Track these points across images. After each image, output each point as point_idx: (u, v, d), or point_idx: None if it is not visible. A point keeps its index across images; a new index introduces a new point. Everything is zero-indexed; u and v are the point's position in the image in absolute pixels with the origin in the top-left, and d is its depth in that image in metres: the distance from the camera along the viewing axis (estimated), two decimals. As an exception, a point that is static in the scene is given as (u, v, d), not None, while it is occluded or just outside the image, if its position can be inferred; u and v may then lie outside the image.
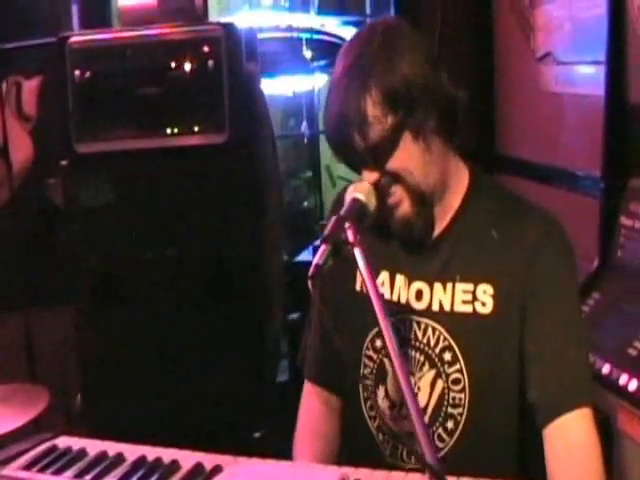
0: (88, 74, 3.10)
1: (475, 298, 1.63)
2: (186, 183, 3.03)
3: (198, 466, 1.47)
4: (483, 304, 1.63)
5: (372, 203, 1.53)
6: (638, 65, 2.49)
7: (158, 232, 3.04)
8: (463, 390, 1.64)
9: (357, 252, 1.43)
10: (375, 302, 1.37)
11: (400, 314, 1.69)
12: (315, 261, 1.37)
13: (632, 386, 2.16)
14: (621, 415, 2.20)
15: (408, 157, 1.56)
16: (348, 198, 1.54)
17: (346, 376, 1.79)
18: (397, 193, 1.59)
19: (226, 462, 1.47)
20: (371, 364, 1.74)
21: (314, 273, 1.36)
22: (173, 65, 3.10)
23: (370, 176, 1.56)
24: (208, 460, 1.49)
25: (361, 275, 1.60)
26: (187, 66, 3.10)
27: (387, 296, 1.70)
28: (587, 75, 3.07)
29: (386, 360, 1.71)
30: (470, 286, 1.64)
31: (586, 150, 2.97)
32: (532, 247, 1.62)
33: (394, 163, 1.56)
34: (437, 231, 1.68)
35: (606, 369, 2.26)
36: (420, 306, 1.67)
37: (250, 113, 3.11)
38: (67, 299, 3.19)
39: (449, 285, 1.65)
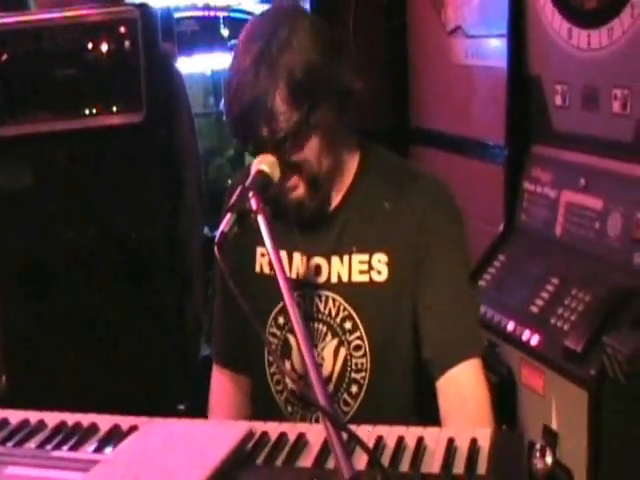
0: (4, 57, 3.10)
1: (371, 267, 1.73)
2: (105, 163, 3.05)
3: (115, 427, 1.54)
4: (379, 272, 1.73)
5: (275, 175, 1.60)
6: (537, 38, 2.61)
7: (78, 213, 3.06)
8: (364, 355, 1.75)
9: (260, 220, 1.49)
10: (277, 267, 1.44)
11: (300, 289, 1.77)
12: (221, 229, 1.44)
13: (534, 341, 2.29)
14: (524, 369, 2.34)
15: (308, 149, 1.64)
16: (253, 170, 1.61)
17: (252, 354, 1.88)
18: (293, 179, 1.67)
19: (142, 422, 1.55)
20: (276, 341, 1.82)
21: (220, 240, 1.43)
22: (90, 46, 3.11)
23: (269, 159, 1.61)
24: (125, 422, 1.56)
25: (263, 255, 1.74)
26: (104, 47, 3.12)
27: (286, 274, 1.79)
28: (494, 48, 3.19)
29: (290, 335, 1.80)
30: (366, 256, 1.73)
31: (493, 120, 3.09)
32: (421, 213, 1.72)
33: (294, 155, 1.64)
34: (331, 208, 1.76)
35: (510, 326, 2.39)
36: (319, 280, 1.76)
37: (167, 92, 3.15)
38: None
39: (346, 257, 1.74)
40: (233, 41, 4.02)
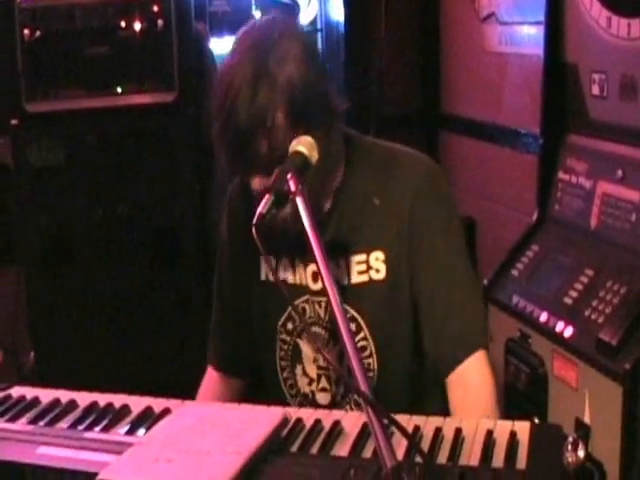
0: (37, 34, 3.10)
1: (369, 267, 1.70)
2: (135, 142, 3.05)
3: (148, 409, 1.53)
4: (377, 271, 1.69)
5: (313, 157, 1.55)
6: (574, 25, 2.57)
7: (107, 191, 3.07)
8: (370, 356, 1.72)
9: (299, 201, 1.45)
10: (316, 250, 1.41)
11: (304, 296, 1.75)
12: (259, 210, 1.40)
13: (567, 333, 2.27)
14: (556, 361, 2.31)
15: None
16: (291, 151, 1.57)
17: (263, 360, 1.86)
18: None
19: (175, 405, 1.54)
20: (285, 346, 1.80)
21: (258, 222, 1.39)
22: (122, 24, 3.11)
23: (263, 183, 1.56)
24: (157, 404, 1.55)
25: (266, 263, 1.70)
26: (136, 25, 3.12)
27: (290, 280, 1.76)
28: (529, 35, 3.15)
29: (299, 340, 1.78)
30: (363, 256, 1.70)
31: (527, 108, 3.06)
32: (410, 205, 1.67)
33: None
34: (322, 212, 1.70)
35: (543, 317, 2.36)
36: (317, 286, 1.72)
37: (199, 72, 3.14)
38: (17, 258, 3.21)
39: (343, 260, 1.70)
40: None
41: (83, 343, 3.04)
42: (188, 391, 1.77)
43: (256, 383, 1.93)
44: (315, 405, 1.77)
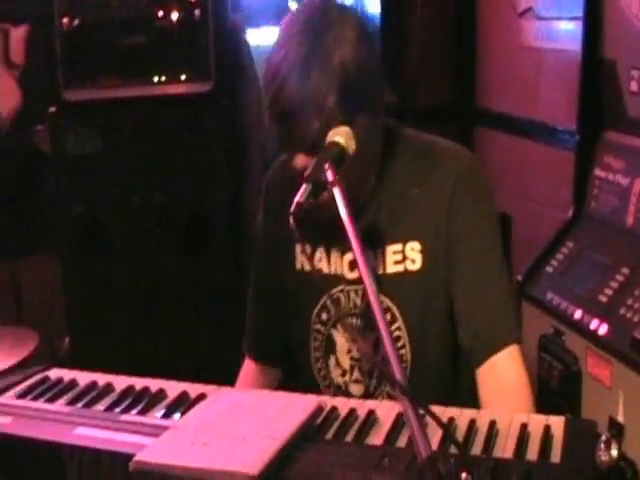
0: (76, 23, 3.12)
1: (405, 257, 1.70)
2: (171, 131, 3.07)
3: (183, 394, 1.55)
4: (413, 261, 1.69)
5: (350, 147, 1.54)
6: (613, 21, 2.54)
7: (143, 179, 3.09)
8: (404, 346, 1.72)
9: (336, 192, 1.46)
10: (353, 240, 1.41)
11: (339, 285, 1.75)
12: (297, 199, 1.41)
13: (602, 330, 2.25)
14: (590, 359, 2.29)
15: None
16: (328, 141, 1.57)
17: (297, 351, 1.87)
18: None
19: (210, 391, 1.55)
20: (320, 337, 1.81)
21: (296, 211, 1.40)
22: (159, 14, 3.13)
23: (305, 161, 1.56)
24: (193, 389, 1.57)
25: (303, 252, 1.70)
26: (173, 15, 3.14)
27: (325, 270, 1.76)
28: (566, 30, 3.12)
29: (333, 331, 1.78)
30: (399, 246, 1.70)
31: (563, 104, 3.03)
32: (449, 197, 1.67)
33: None
34: (360, 201, 1.70)
35: (578, 314, 2.35)
36: (354, 275, 1.72)
37: (235, 62, 3.15)
38: (54, 245, 3.24)
39: (379, 249, 1.70)
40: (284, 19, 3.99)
41: (117, 330, 3.07)
42: (220, 378, 1.77)
43: (291, 373, 1.94)
44: (348, 396, 1.77)
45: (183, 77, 3.12)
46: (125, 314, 3.07)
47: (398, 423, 1.39)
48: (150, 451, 1.29)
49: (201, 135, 3.06)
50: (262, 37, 4.21)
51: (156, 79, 3.11)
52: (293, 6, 4.23)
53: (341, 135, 1.52)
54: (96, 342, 3.08)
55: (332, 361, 1.80)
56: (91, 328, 3.12)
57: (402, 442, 1.34)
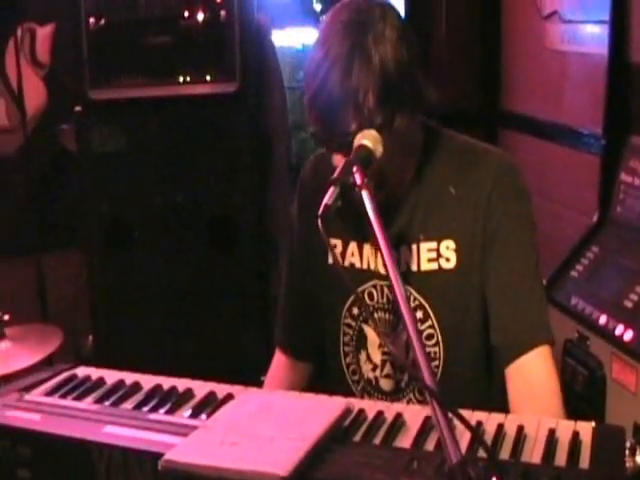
0: (102, 22, 3.14)
1: (439, 255, 1.70)
2: (196, 131, 3.09)
3: (211, 394, 1.55)
4: (447, 260, 1.69)
5: (378, 150, 1.53)
6: (640, 25, 2.54)
7: (167, 179, 3.10)
8: (437, 344, 1.72)
9: (364, 195, 1.46)
10: (382, 245, 1.41)
11: (372, 280, 1.75)
12: (325, 201, 1.41)
13: (627, 336, 2.24)
14: (615, 364, 2.28)
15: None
16: (356, 144, 1.57)
17: (327, 345, 1.87)
18: None
19: (237, 391, 1.55)
20: (350, 331, 1.81)
21: (324, 213, 1.40)
22: (186, 14, 3.14)
23: (341, 160, 1.54)
24: (220, 389, 1.57)
25: (335, 246, 1.71)
26: (199, 15, 3.15)
27: (358, 265, 1.77)
28: (592, 34, 3.11)
29: (364, 326, 1.79)
30: (434, 244, 1.70)
31: (589, 108, 3.02)
32: (487, 197, 1.67)
33: None
34: (396, 197, 1.71)
35: (603, 320, 2.34)
36: None
37: (260, 63, 3.16)
38: (78, 243, 3.26)
39: (414, 246, 1.71)
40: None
41: (141, 327, 3.08)
42: (245, 375, 1.78)
43: (321, 368, 1.94)
44: (378, 391, 1.78)
45: (208, 77, 3.13)
46: (149, 312, 3.08)
47: (426, 426, 1.39)
48: (179, 450, 1.30)
49: (225, 135, 3.07)
50: (286, 38, 4.22)
51: (181, 79, 3.13)
52: (317, 7, 4.24)
53: (369, 139, 1.52)
54: (120, 339, 3.10)
55: (363, 355, 1.80)
56: (115, 325, 3.14)
57: (430, 446, 1.34)
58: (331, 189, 1.45)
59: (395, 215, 1.72)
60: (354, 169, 1.47)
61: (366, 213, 1.42)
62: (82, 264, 3.22)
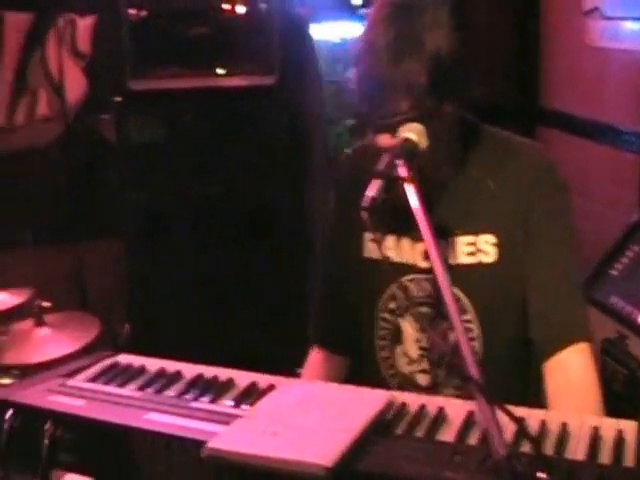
0: (143, 14, 3.16)
1: (478, 249, 1.69)
2: (233, 123, 3.09)
3: (253, 384, 1.56)
4: (486, 254, 1.69)
5: (423, 143, 1.53)
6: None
7: (203, 170, 3.12)
8: (475, 339, 1.71)
9: (409, 188, 1.46)
10: (428, 238, 1.41)
11: (409, 274, 1.75)
12: (370, 194, 1.41)
13: (666, 336, 2.22)
14: (654, 364, 2.26)
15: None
16: (400, 137, 1.57)
17: (362, 339, 1.86)
18: None
19: (279, 381, 1.56)
20: (387, 325, 1.81)
21: (369, 205, 1.41)
22: (226, 7, 3.15)
23: (389, 141, 1.56)
24: (262, 379, 1.57)
25: (372, 240, 1.70)
26: (239, 8, 3.15)
27: (395, 259, 1.76)
28: (633, 30, 3.08)
29: (401, 320, 1.78)
30: (471, 238, 1.70)
31: (629, 106, 2.99)
32: (527, 191, 1.67)
33: None
34: (436, 190, 1.70)
35: (642, 319, 2.32)
36: (426, 264, 1.72)
37: (299, 57, 3.16)
38: (116, 232, 3.28)
39: (452, 240, 1.70)
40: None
41: (176, 317, 3.10)
42: (279, 365, 1.79)
43: (357, 362, 1.94)
44: (414, 386, 1.78)
45: (246, 70, 3.14)
46: (184, 302, 3.10)
47: (469, 421, 1.38)
48: (222, 438, 1.30)
49: (262, 129, 3.08)
50: (323, 32, 4.22)
51: (220, 71, 3.14)
52: (355, 1, 4.22)
53: (413, 132, 1.52)
54: (157, 328, 3.12)
55: (399, 350, 1.80)
56: (152, 314, 3.16)
57: (473, 440, 1.34)
58: (376, 181, 1.45)
59: (434, 208, 1.69)
60: (399, 162, 1.47)
61: (410, 207, 1.42)
62: (120, 253, 3.24)
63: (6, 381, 2.25)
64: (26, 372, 2.25)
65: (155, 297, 3.15)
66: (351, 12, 4.20)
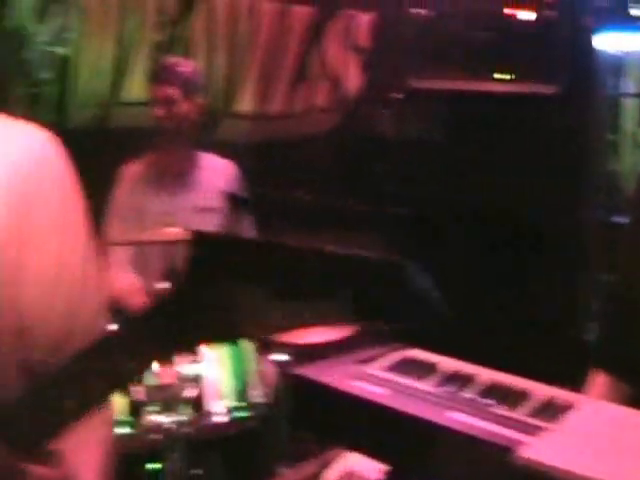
0: (426, 13, 3.19)
1: None
2: (513, 130, 3.06)
3: (550, 400, 1.53)
4: None
5: None
6: None
7: (476, 174, 3.10)
8: None
9: None
10: None
11: None
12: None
13: None
14: None
15: None
16: None
17: None
18: None
19: (577, 399, 1.52)
20: None
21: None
22: (511, 12, 3.12)
23: None
24: (559, 395, 1.54)
25: None
26: (524, 14, 3.11)
27: None
28: None
29: None
30: None
31: None
32: None
33: None
34: None
35: None
36: None
37: (586, 68, 3.08)
38: (376, 226, 3.34)
39: None
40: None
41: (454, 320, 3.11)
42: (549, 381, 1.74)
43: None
44: None
45: (526, 77, 3.10)
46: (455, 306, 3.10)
47: None
48: (535, 449, 1.29)
49: (542, 139, 3.03)
50: (600, 43, 4.07)
51: (501, 76, 3.11)
52: (634, 12, 4.05)
53: None
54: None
55: None
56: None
57: None
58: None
59: None
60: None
61: None
62: (381, 248, 3.29)
63: (283, 358, 2.35)
64: (299, 352, 2.33)
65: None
66: (630, 23, 4.02)
